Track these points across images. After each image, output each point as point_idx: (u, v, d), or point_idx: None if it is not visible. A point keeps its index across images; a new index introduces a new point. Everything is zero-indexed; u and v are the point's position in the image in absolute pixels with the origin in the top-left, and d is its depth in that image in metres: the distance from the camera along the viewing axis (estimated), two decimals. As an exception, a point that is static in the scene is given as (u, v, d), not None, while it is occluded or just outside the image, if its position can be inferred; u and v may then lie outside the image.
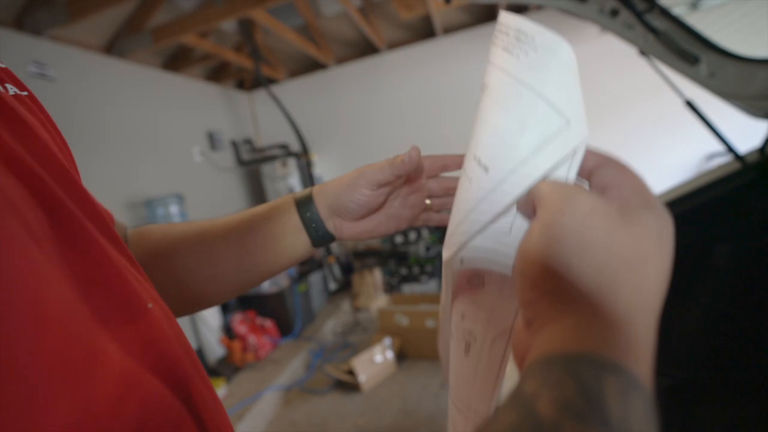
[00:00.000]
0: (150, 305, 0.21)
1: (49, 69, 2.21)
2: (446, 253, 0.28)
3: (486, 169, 0.25)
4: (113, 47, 2.65)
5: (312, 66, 3.94)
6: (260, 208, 0.43)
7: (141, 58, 2.88)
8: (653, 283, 0.21)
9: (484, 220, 0.25)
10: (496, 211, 0.24)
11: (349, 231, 0.42)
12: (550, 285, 0.21)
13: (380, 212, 0.42)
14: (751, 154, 0.91)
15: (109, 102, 2.60)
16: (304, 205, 0.42)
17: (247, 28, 2.94)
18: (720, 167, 0.95)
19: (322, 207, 0.41)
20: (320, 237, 0.42)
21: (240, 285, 0.41)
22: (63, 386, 0.15)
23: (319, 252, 3.37)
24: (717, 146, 2.98)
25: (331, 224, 0.42)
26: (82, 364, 0.16)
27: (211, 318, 2.57)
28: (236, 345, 2.52)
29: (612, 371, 0.18)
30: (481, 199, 0.25)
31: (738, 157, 0.90)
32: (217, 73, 3.78)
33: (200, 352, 2.56)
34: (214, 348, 2.56)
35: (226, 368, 2.48)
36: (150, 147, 2.82)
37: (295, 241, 0.42)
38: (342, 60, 3.85)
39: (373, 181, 0.38)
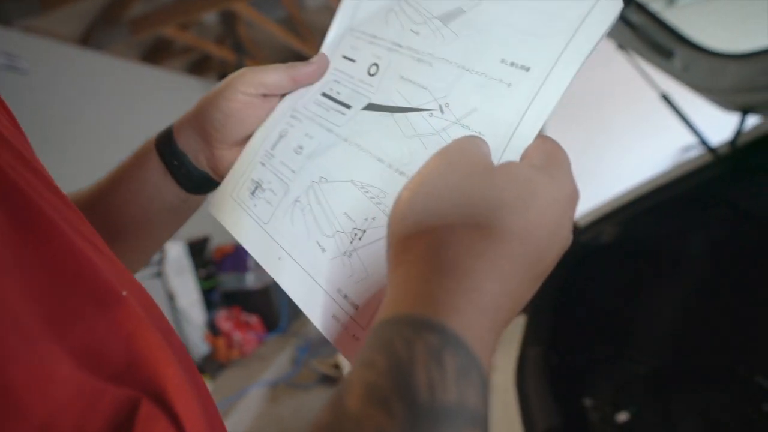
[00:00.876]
0: (124, 293, 0.19)
1: (21, 61, 2.14)
2: None
3: (527, 69, 0.23)
4: (89, 39, 2.57)
5: (295, 58, 3.87)
6: (126, 158, 0.34)
7: (119, 50, 2.81)
8: (516, 245, 0.18)
9: (539, 124, 0.22)
10: (549, 111, 0.22)
11: (226, 162, 0.32)
12: (398, 227, 0.19)
13: None
14: (722, 146, 0.93)
15: (86, 96, 2.52)
16: (163, 140, 0.32)
17: (229, 20, 2.89)
18: (694, 159, 0.98)
19: (187, 136, 0.32)
20: (189, 177, 0.32)
21: (122, 257, 0.31)
22: (13, 414, 0.14)
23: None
24: (693, 138, 3.07)
25: (203, 158, 0.32)
26: (35, 386, 0.14)
27: (194, 315, 2.54)
28: (221, 342, 2.50)
29: (429, 331, 0.15)
30: (532, 100, 0.22)
31: (710, 150, 0.93)
32: (199, 66, 3.70)
33: (184, 350, 2.52)
34: (198, 345, 2.53)
35: (211, 365, 2.46)
36: (129, 142, 2.74)
37: (160, 189, 0.32)
38: (326, 53, 3.81)
39: (254, 82, 0.30)
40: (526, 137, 0.22)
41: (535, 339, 1.00)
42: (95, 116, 2.56)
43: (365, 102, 0.29)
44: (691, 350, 1.04)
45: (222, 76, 4.02)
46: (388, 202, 0.26)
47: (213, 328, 2.62)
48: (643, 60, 0.94)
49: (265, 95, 0.31)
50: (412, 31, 0.29)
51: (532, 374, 0.96)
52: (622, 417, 0.92)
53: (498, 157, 0.23)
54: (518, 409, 0.86)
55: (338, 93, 0.31)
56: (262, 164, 0.32)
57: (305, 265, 0.27)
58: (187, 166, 0.32)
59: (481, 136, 0.24)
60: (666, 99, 0.94)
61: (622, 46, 0.95)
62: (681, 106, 0.94)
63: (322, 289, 0.26)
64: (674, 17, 0.99)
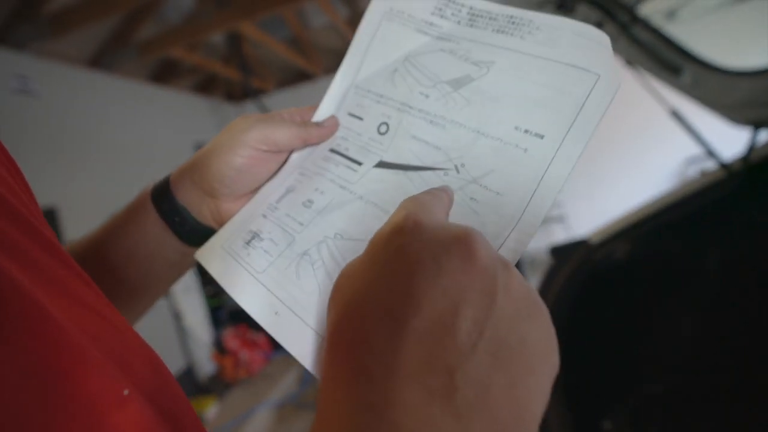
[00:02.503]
0: (126, 392, 0.16)
1: (33, 83, 2.18)
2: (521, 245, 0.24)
3: (541, 137, 0.24)
4: (99, 61, 2.62)
5: (301, 77, 3.94)
6: (120, 210, 0.32)
7: (127, 71, 2.86)
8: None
9: (557, 188, 0.23)
10: (567, 173, 0.23)
11: (232, 215, 0.31)
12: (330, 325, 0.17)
13: None
14: (735, 162, 0.92)
15: (96, 116, 2.56)
16: (160, 193, 0.31)
17: (235, 41, 2.94)
18: (706, 175, 0.97)
19: (187, 188, 0.31)
20: (192, 232, 0.31)
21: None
22: None
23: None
24: (697, 150, 3.05)
25: (207, 211, 0.31)
26: None
27: (201, 333, 2.52)
28: (228, 361, 2.47)
29: None
30: (549, 164, 0.24)
31: (723, 166, 0.92)
32: (206, 86, 3.76)
33: (190, 370, 2.50)
34: (205, 365, 2.50)
35: (218, 385, 2.43)
36: (137, 160, 2.78)
37: (160, 245, 0.31)
38: (331, 70, 3.87)
39: (265, 140, 0.29)
40: (546, 197, 0.23)
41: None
42: (106, 136, 2.59)
43: (376, 159, 0.29)
44: (710, 369, 1.01)
45: (228, 94, 4.09)
46: None
47: (220, 347, 2.60)
48: (651, 76, 0.94)
49: (275, 151, 0.30)
50: (421, 93, 0.29)
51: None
52: (644, 441, 0.89)
53: (518, 215, 0.24)
54: None
55: (347, 149, 0.31)
56: (264, 216, 0.30)
57: (317, 326, 0.25)
58: (189, 221, 0.31)
59: (500, 195, 0.24)
60: (676, 116, 0.94)
61: (630, 62, 0.95)
62: (691, 122, 0.94)
63: None
64: (676, 31, 0.99)
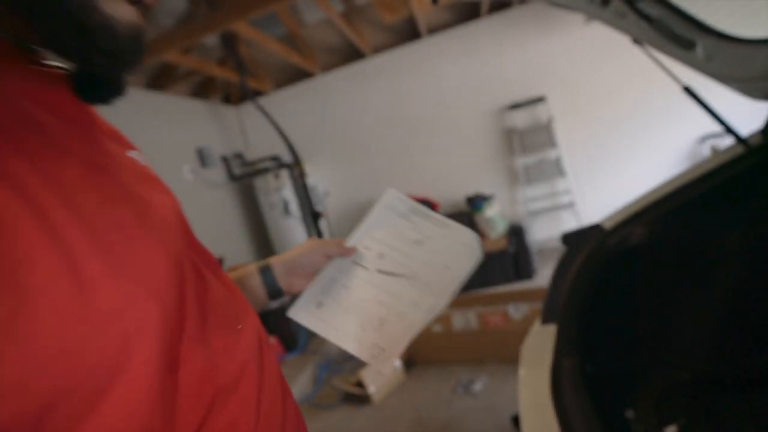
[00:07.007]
0: (239, 326, 0.36)
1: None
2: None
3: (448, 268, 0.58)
4: (95, 70, 2.61)
5: (298, 75, 3.91)
6: (244, 268, 0.60)
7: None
8: None
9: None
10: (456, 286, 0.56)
11: (298, 286, 0.59)
12: None
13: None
14: (753, 136, 0.89)
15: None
16: (264, 270, 0.58)
17: (229, 41, 2.91)
18: (724, 151, 0.93)
19: (278, 271, 0.57)
20: (274, 291, 0.58)
21: None
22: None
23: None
24: (709, 128, 2.98)
25: (285, 282, 0.58)
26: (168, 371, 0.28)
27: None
28: (241, 364, 2.48)
29: None
30: (458, 280, 0.56)
31: (741, 141, 0.88)
32: (203, 89, 3.74)
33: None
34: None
35: (232, 388, 2.44)
36: (139, 168, 2.77)
37: (255, 291, 0.57)
38: (328, 67, 3.83)
39: (327, 252, 0.58)
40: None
41: (568, 348, 0.95)
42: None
43: (377, 268, 0.59)
44: (734, 352, 0.98)
45: (226, 97, 4.06)
46: (392, 302, 0.56)
47: (232, 350, 2.60)
48: (661, 53, 0.90)
49: (328, 257, 0.59)
50: (398, 240, 0.60)
51: (568, 386, 0.91)
52: (671, 430, 0.87)
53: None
54: (557, 424, 0.81)
55: (362, 259, 0.60)
56: (322, 293, 0.59)
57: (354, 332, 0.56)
58: (274, 286, 0.57)
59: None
60: (689, 91, 0.90)
61: (637, 40, 0.91)
62: (704, 99, 0.90)
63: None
64: (691, 5, 0.95)
